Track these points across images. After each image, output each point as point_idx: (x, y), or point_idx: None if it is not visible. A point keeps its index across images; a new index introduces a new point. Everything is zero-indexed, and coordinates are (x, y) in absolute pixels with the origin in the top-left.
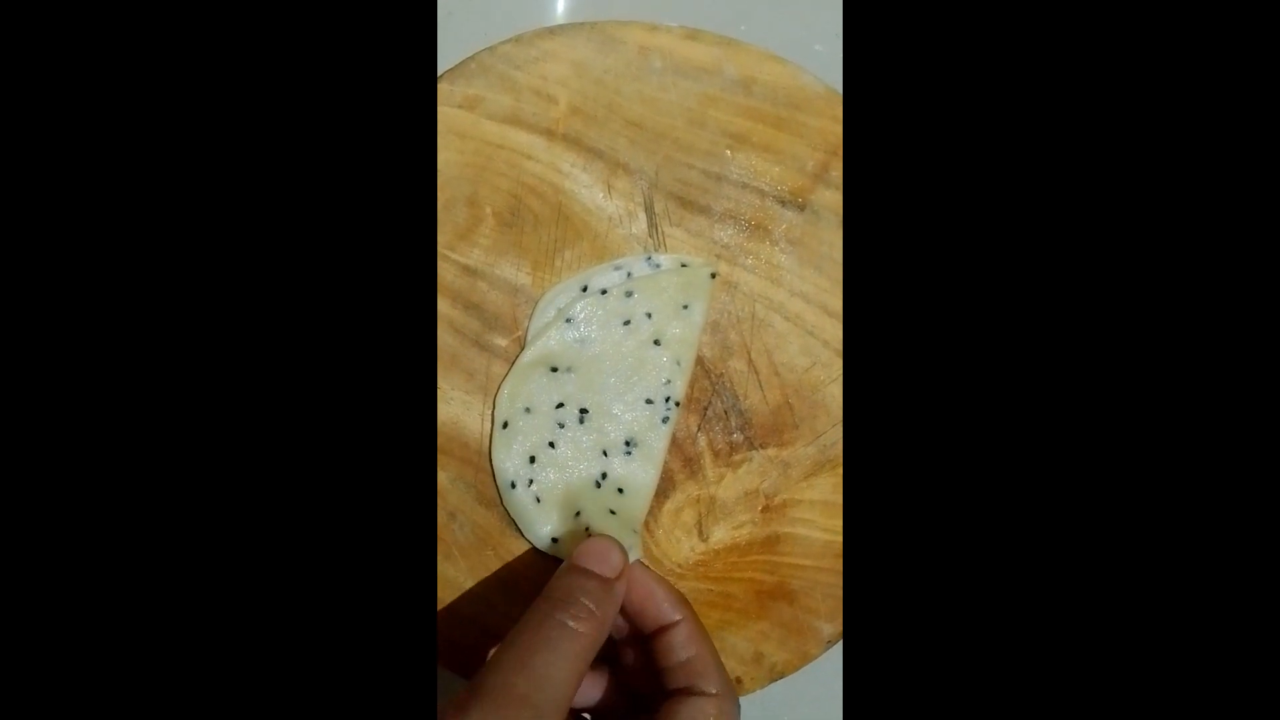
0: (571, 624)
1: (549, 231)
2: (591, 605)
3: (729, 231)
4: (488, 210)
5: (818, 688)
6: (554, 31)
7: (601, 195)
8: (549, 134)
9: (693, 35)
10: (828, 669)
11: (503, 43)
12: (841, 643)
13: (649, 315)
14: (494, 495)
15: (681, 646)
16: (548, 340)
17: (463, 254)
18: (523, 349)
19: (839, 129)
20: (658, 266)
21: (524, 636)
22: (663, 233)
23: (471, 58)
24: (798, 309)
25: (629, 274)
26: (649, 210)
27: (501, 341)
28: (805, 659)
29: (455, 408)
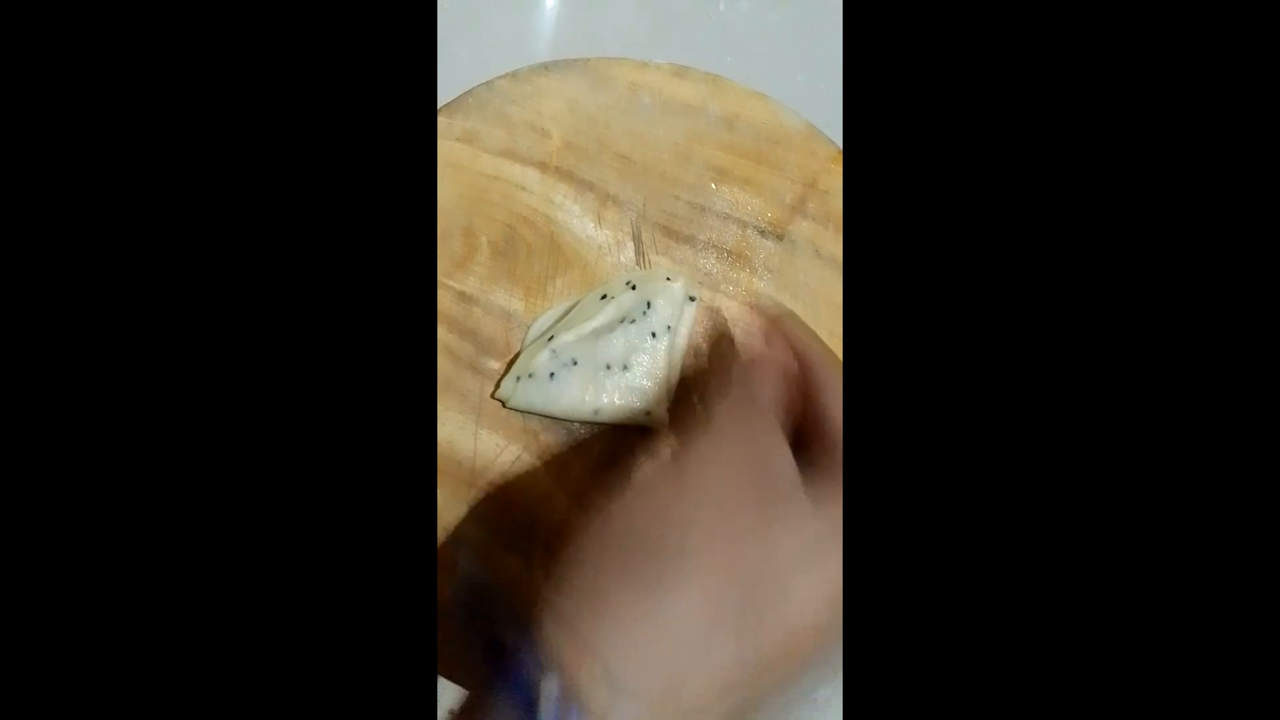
0: None
1: (541, 260)
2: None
3: (712, 260)
4: (483, 240)
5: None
6: (548, 68)
7: (592, 225)
8: (542, 167)
9: (680, 73)
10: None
11: (499, 79)
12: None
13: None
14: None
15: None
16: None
17: (459, 281)
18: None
19: (815, 164)
20: (633, 289)
21: None
22: (649, 261)
23: (469, 93)
24: None
25: (613, 297)
26: (637, 240)
27: (495, 365)
28: None
29: (449, 428)
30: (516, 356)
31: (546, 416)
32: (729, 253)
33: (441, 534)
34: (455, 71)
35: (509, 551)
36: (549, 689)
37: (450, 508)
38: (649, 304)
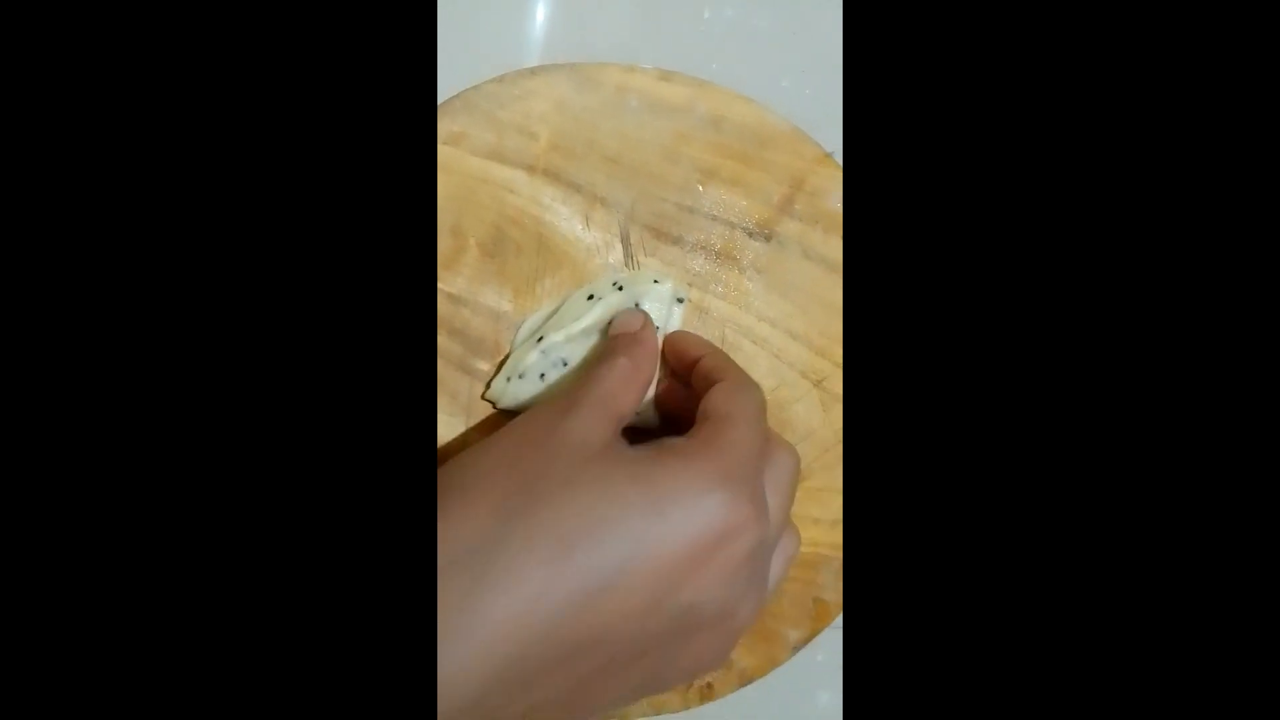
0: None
1: (530, 261)
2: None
3: (700, 261)
4: (471, 241)
5: (785, 691)
6: (535, 72)
7: (580, 226)
8: (530, 169)
9: (666, 77)
10: (795, 674)
11: (487, 82)
12: (807, 648)
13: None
14: None
15: (707, 368)
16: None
17: (447, 282)
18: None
19: (802, 164)
20: (620, 289)
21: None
22: (638, 262)
23: (456, 95)
24: (765, 333)
25: (600, 298)
26: (625, 241)
27: (484, 365)
28: (773, 664)
29: (439, 429)
30: (506, 357)
31: None
32: (717, 253)
33: None
34: (442, 75)
35: None
36: None
37: None
38: (636, 305)
